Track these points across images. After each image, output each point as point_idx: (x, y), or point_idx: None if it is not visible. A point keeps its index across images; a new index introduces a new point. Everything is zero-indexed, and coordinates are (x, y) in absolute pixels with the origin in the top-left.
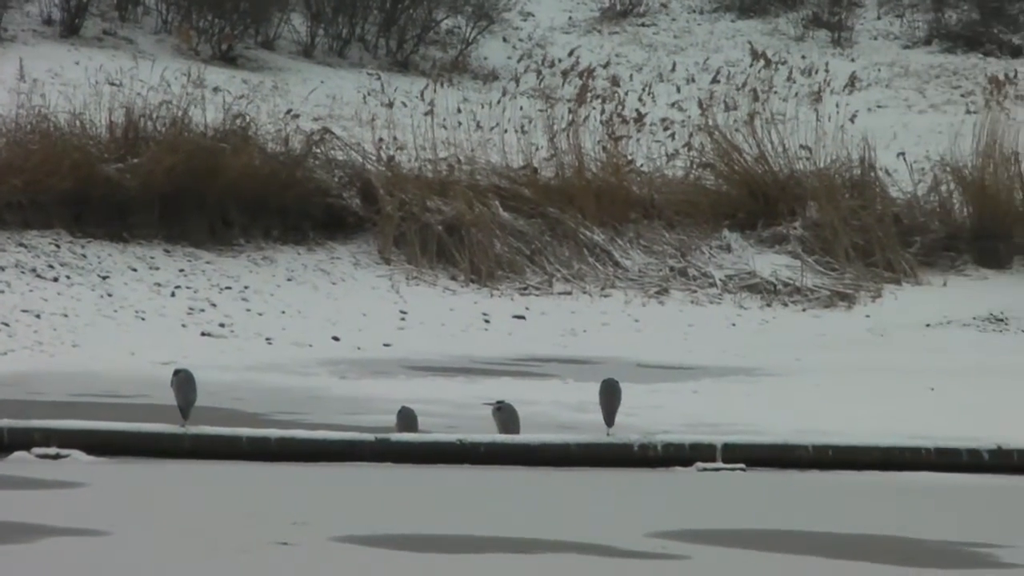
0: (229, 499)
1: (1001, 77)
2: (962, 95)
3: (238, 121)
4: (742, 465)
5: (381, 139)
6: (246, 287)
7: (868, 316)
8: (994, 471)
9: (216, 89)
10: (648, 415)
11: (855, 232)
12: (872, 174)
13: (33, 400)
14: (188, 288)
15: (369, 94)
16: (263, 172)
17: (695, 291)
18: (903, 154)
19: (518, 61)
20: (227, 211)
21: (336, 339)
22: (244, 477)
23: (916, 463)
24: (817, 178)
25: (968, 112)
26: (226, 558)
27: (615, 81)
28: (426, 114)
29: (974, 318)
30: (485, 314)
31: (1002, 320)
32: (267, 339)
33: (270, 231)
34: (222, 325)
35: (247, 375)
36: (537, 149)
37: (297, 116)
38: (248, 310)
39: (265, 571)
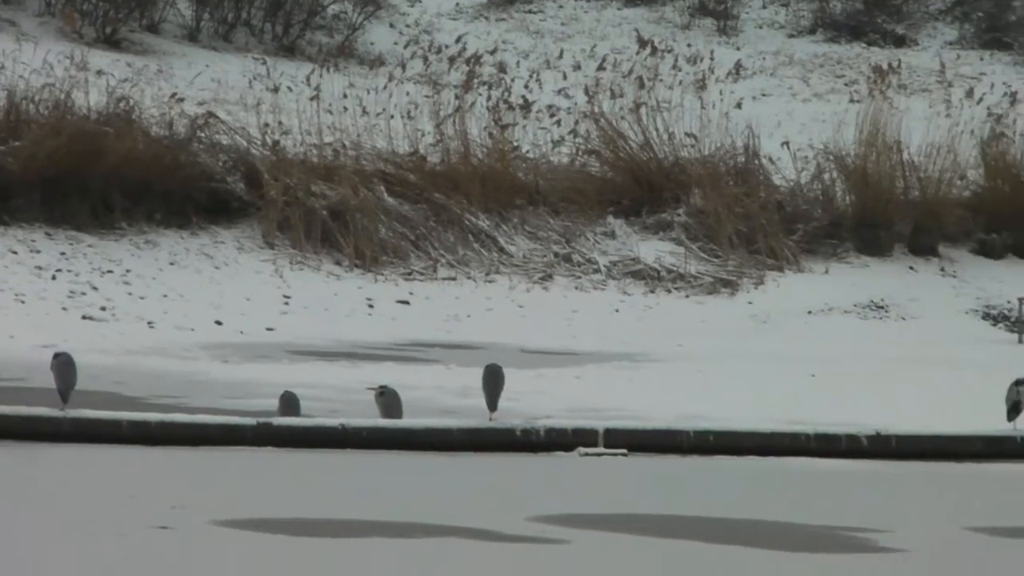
0: (109, 483)
1: (884, 66)
2: (846, 84)
3: (122, 105)
4: (624, 450)
5: (266, 124)
6: (128, 271)
7: (751, 303)
8: (873, 457)
9: (100, 72)
10: (531, 400)
11: (739, 219)
12: (756, 162)
13: None
14: (69, 271)
15: (255, 79)
16: (147, 156)
17: (579, 277)
18: (787, 143)
19: (405, 47)
20: (110, 195)
21: (219, 323)
22: (124, 461)
23: (796, 449)
24: (701, 165)
25: (852, 101)
26: (106, 542)
27: (502, 68)
28: (312, 99)
29: (855, 305)
30: (369, 299)
31: (882, 307)
32: (149, 323)
33: (153, 215)
34: (103, 308)
35: (128, 359)
36: (423, 135)
37: (182, 100)
38: (130, 294)
39: (144, 555)
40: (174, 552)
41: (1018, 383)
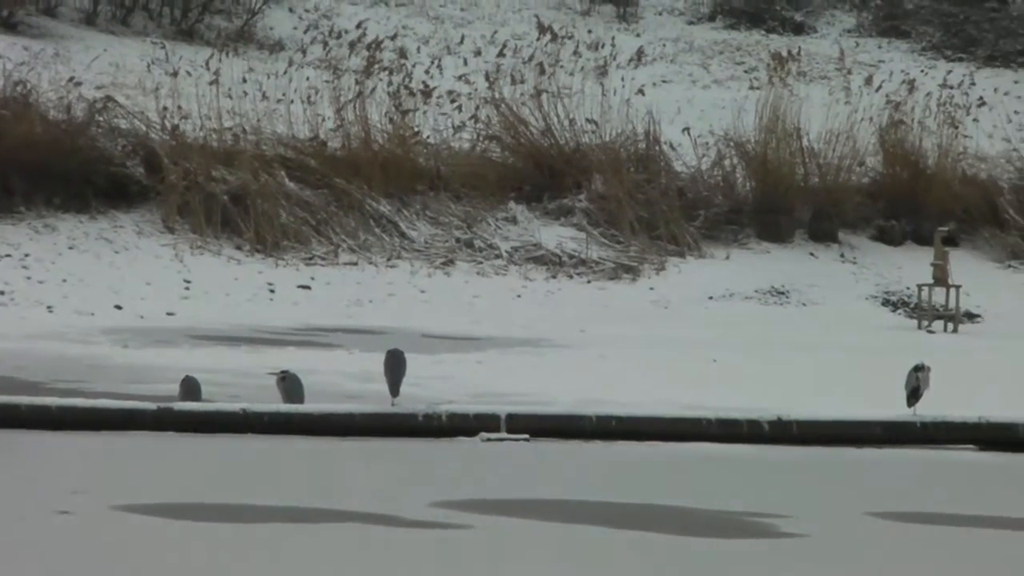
0: (7, 467)
1: (784, 54)
2: (745, 71)
3: (19, 88)
4: (526, 436)
5: (165, 108)
6: (27, 255)
7: (652, 288)
8: (774, 442)
9: None
10: (433, 385)
11: (640, 205)
12: (657, 148)
13: None
14: None
15: (153, 63)
16: (44, 140)
17: (481, 262)
18: (688, 129)
19: (304, 32)
20: (7, 178)
21: (119, 308)
22: (23, 445)
23: (697, 434)
24: (603, 151)
25: (751, 88)
26: (4, 526)
27: (402, 53)
28: (211, 83)
29: (756, 291)
30: (270, 284)
31: (783, 293)
32: (48, 307)
33: (52, 199)
34: (2, 293)
35: (27, 343)
36: (323, 120)
37: (79, 84)
38: (29, 278)
39: (43, 539)
40: (74, 537)
41: (917, 369)
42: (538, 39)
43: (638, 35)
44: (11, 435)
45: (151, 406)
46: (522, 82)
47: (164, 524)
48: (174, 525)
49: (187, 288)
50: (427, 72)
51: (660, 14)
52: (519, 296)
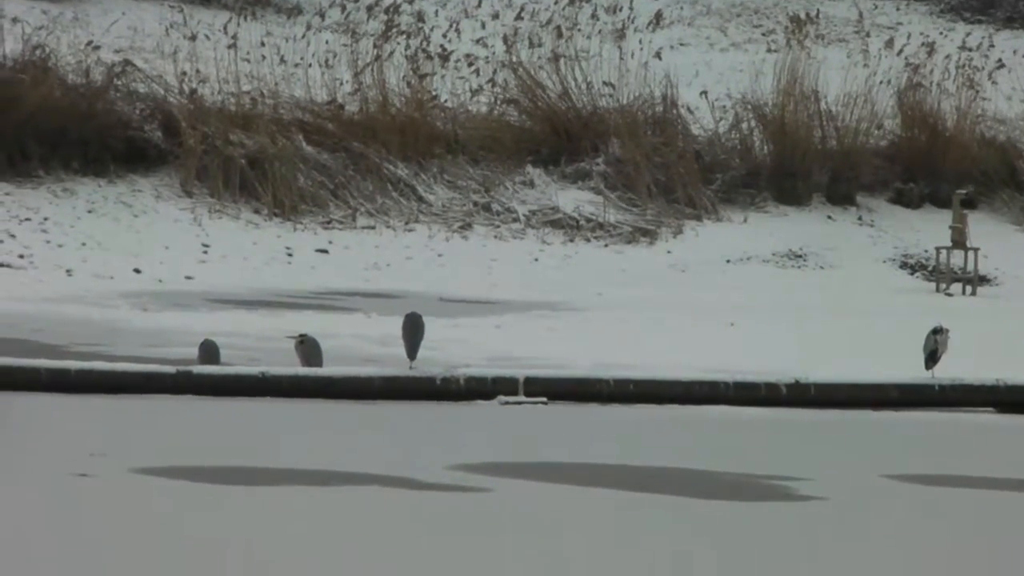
0: (27, 430)
1: (802, 16)
2: (763, 34)
3: (37, 52)
4: (544, 399)
5: (183, 72)
6: (46, 219)
7: (670, 252)
8: (792, 405)
9: (15, 20)
10: (451, 349)
11: (657, 169)
12: (674, 111)
13: None
14: None
15: (171, 26)
16: (63, 104)
17: (498, 226)
18: (705, 92)
19: None
20: (26, 143)
21: (138, 271)
22: (43, 409)
23: (715, 397)
24: (620, 115)
25: (769, 51)
26: (25, 489)
27: (420, 17)
28: (229, 47)
29: (773, 254)
30: (288, 248)
31: (800, 256)
32: (67, 271)
33: (70, 163)
34: (21, 256)
35: (47, 307)
36: (341, 84)
37: (98, 48)
38: (48, 242)
39: (64, 502)
40: (94, 499)
41: (935, 331)
42: (556, 2)
43: None
44: (31, 398)
45: (170, 370)
46: (540, 45)
47: (183, 487)
48: (193, 488)
49: (205, 252)
50: (445, 36)
51: None
52: (536, 260)
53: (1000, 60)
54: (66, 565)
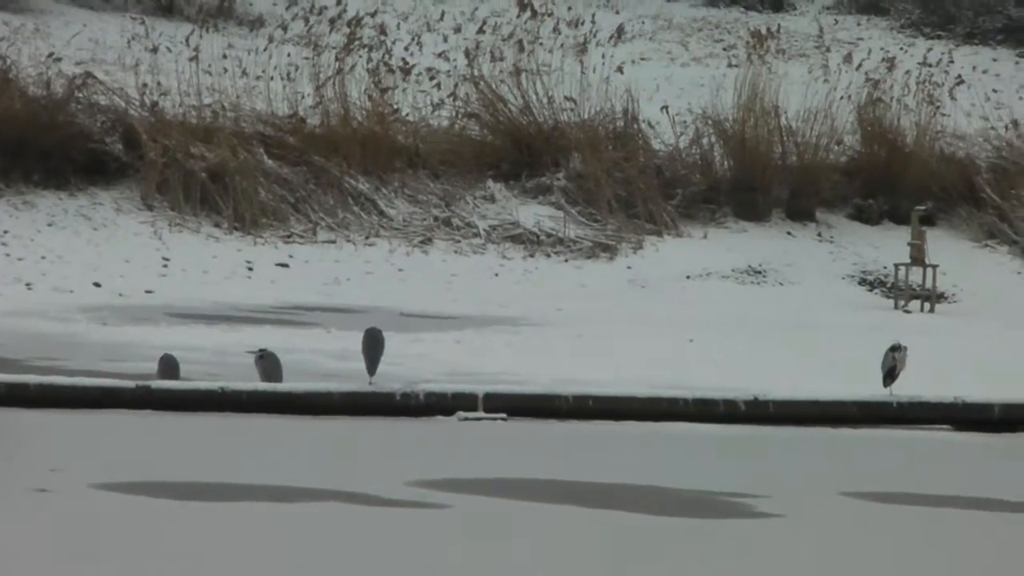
0: None
1: (763, 31)
2: (724, 49)
3: None
4: (503, 415)
5: (145, 84)
6: (5, 232)
7: (630, 267)
8: (750, 421)
9: None
10: (411, 364)
11: (618, 184)
12: (635, 126)
13: None
14: None
15: (133, 39)
16: (24, 116)
17: (459, 241)
18: (666, 107)
19: (285, 8)
20: None
21: (97, 285)
22: (1, 423)
23: (674, 413)
24: (581, 130)
25: (730, 66)
26: None
27: (382, 30)
28: (191, 60)
29: (733, 270)
30: (248, 262)
31: (760, 272)
32: (27, 284)
33: (31, 175)
34: None
35: (6, 320)
36: (303, 97)
37: (59, 60)
38: (7, 255)
39: (22, 517)
40: (52, 515)
41: (893, 349)
42: (518, 16)
43: (617, 12)
44: None
45: (130, 384)
46: (502, 59)
47: (143, 502)
48: (153, 503)
49: (165, 266)
50: (407, 49)
51: None
52: (496, 275)
53: (960, 76)
54: None
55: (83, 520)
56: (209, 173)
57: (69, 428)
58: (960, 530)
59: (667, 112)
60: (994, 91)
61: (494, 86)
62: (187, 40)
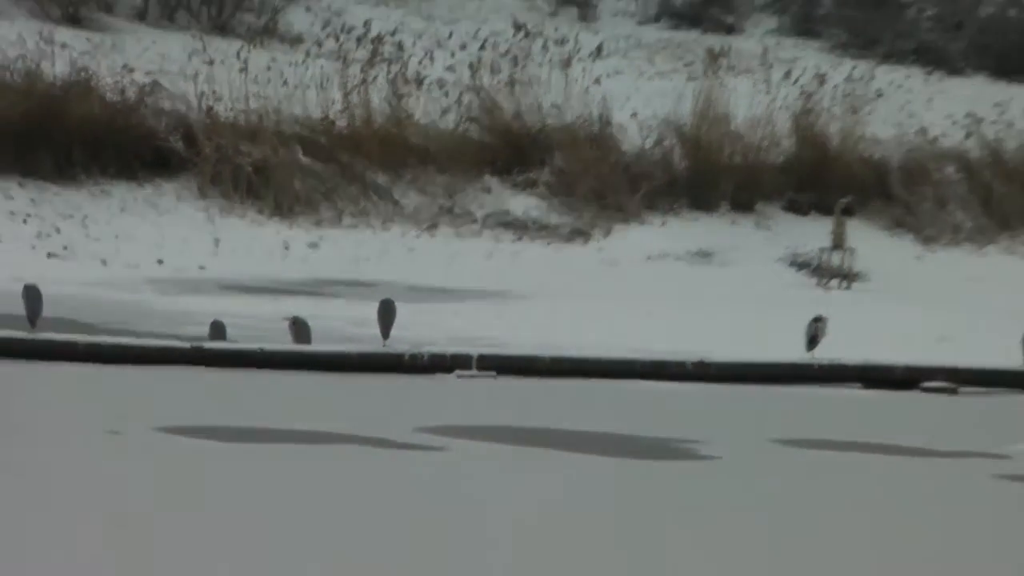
0: (66, 395)
1: (716, 50)
2: (685, 65)
3: (82, 74)
4: (494, 373)
5: (202, 92)
6: (86, 216)
7: (601, 250)
8: (696, 380)
9: (64, 46)
10: (418, 330)
11: (593, 179)
12: (609, 130)
13: None
14: (37, 216)
15: (193, 53)
16: (102, 118)
17: (459, 227)
18: (635, 114)
19: (320, 28)
20: (71, 150)
21: (160, 262)
22: (79, 377)
23: (633, 372)
24: (563, 132)
25: (689, 79)
26: (63, 443)
27: (400, 47)
28: (240, 71)
29: (686, 252)
30: (285, 243)
31: (708, 255)
32: (102, 260)
33: (107, 168)
34: (65, 248)
35: (84, 291)
36: (333, 103)
37: (132, 71)
38: (87, 236)
39: (99, 454)
40: (124, 452)
41: (815, 320)
42: (513, 35)
43: (596, 33)
44: (69, 368)
45: (186, 344)
46: (499, 72)
47: (198, 443)
48: (206, 444)
49: (217, 246)
50: (420, 63)
51: (615, 16)
52: (490, 256)
53: (879, 90)
54: (100, 510)
55: (150, 457)
56: (254, 167)
57: (135, 381)
58: (867, 471)
59: (635, 118)
60: (907, 103)
61: (492, 95)
62: (238, 54)
